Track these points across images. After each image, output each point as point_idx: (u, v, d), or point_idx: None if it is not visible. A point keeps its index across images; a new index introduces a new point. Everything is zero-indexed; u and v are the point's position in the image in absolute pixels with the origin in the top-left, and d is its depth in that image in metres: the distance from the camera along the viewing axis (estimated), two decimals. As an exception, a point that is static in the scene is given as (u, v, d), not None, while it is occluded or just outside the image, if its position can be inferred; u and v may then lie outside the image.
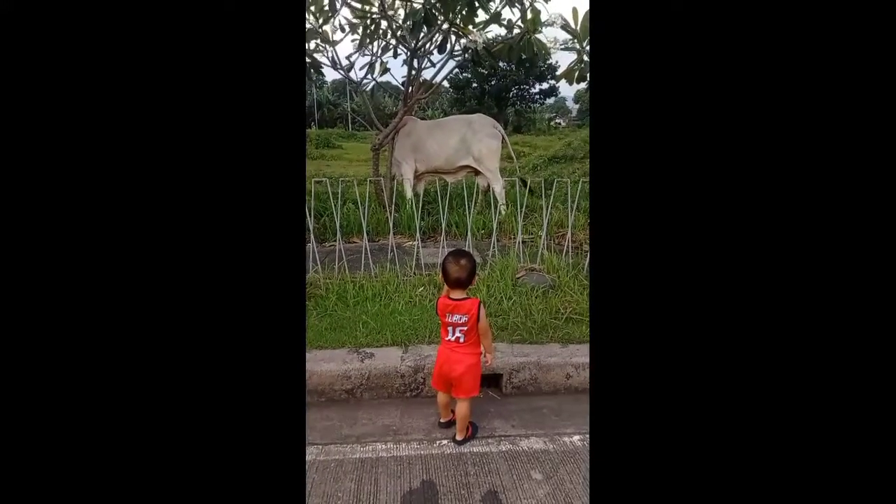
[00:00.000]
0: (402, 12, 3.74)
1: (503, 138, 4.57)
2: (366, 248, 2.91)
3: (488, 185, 4.51)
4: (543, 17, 3.78)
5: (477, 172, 4.52)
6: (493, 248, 3.07)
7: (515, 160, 5.57)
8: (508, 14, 3.88)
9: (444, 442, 1.74)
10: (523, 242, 3.23)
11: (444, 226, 3.17)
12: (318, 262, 2.88)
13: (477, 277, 1.77)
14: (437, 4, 3.25)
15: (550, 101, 25.31)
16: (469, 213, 3.14)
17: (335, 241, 3.03)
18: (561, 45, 3.90)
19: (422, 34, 3.72)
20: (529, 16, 3.58)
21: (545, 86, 21.70)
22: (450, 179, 4.65)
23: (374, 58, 4.36)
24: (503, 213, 4.25)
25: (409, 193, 4.49)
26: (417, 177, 4.65)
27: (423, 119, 4.92)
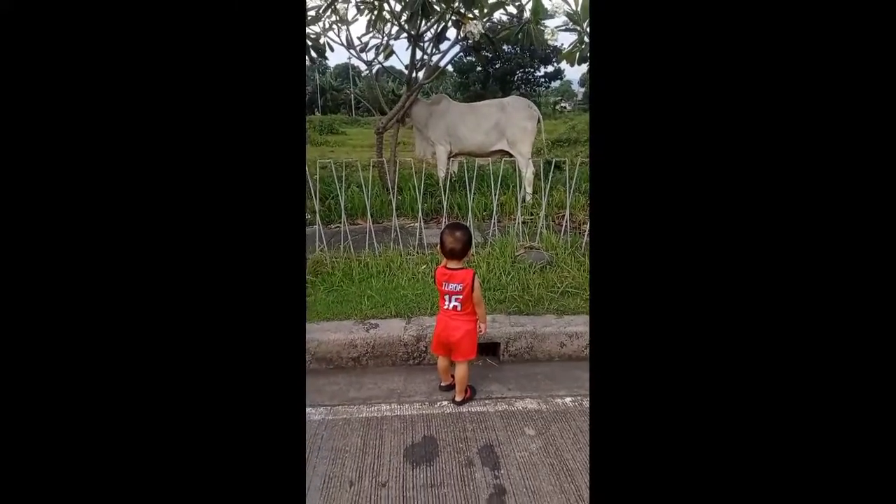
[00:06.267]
0: None
1: (539, 119, 4.51)
2: (370, 229, 3.02)
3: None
4: (547, 6, 3.80)
5: (510, 155, 4.50)
6: (494, 227, 3.17)
7: (544, 139, 5.45)
8: (511, 7, 3.88)
9: (445, 403, 1.87)
10: (523, 223, 3.32)
11: (445, 207, 3.27)
12: (325, 242, 3.00)
13: (472, 250, 1.88)
14: None
15: (556, 84, 25.08)
16: (470, 195, 3.23)
17: (340, 222, 3.14)
18: (561, 27, 3.90)
19: (421, 23, 3.76)
20: (531, 7, 3.61)
21: (550, 69, 21.52)
22: (481, 161, 4.67)
23: (384, 39, 4.39)
24: (528, 200, 4.24)
25: (442, 174, 4.49)
26: (451, 157, 4.68)
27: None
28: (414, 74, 4.43)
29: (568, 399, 1.90)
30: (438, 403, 1.87)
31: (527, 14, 3.85)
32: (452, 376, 1.91)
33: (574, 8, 4.08)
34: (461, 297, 1.73)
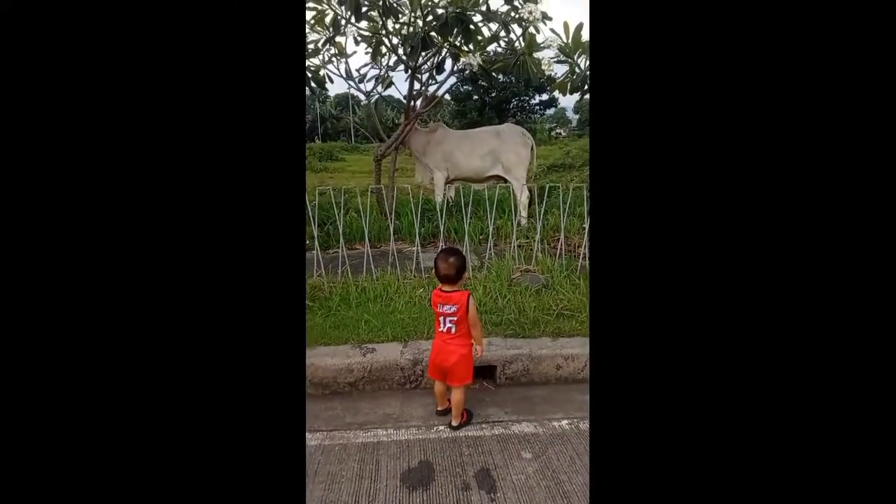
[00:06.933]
0: (406, 30, 3.93)
1: (532, 146, 4.66)
2: (367, 254, 3.06)
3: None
4: (539, 39, 3.94)
5: (505, 181, 4.61)
6: (490, 251, 3.21)
7: (534, 168, 5.55)
8: (505, 35, 4.04)
9: (441, 427, 1.87)
10: (519, 246, 3.37)
11: (442, 231, 3.32)
12: (323, 267, 3.03)
13: (468, 274, 1.91)
14: (435, 27, 3.44)
15: (550, 111, 25.64)
16: (466, 219, 3.29)
17: (339, 247, 3.18)
18: (554, 58, 4.04)
19: (421, 56, 3.90)
20: (525, 41, 3.76)
21: (545, 97, 22.05)
22: (477, 187, 4.76)
23: (382, 70, 4.54)
24: (523, 223, 4.31)
25: (439, 199, 4.58)
26: (447, 183, 4.78)
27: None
28: (412, 104, 4.56)
29: (564, 422, 1.90)
30: (435, 428, 1.87)
31: (520, 42, 3.99)
32: (449, 400, 1.91)
33: (565, 41, 4.25)
34: (455, 318, 1.75)
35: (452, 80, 4.48)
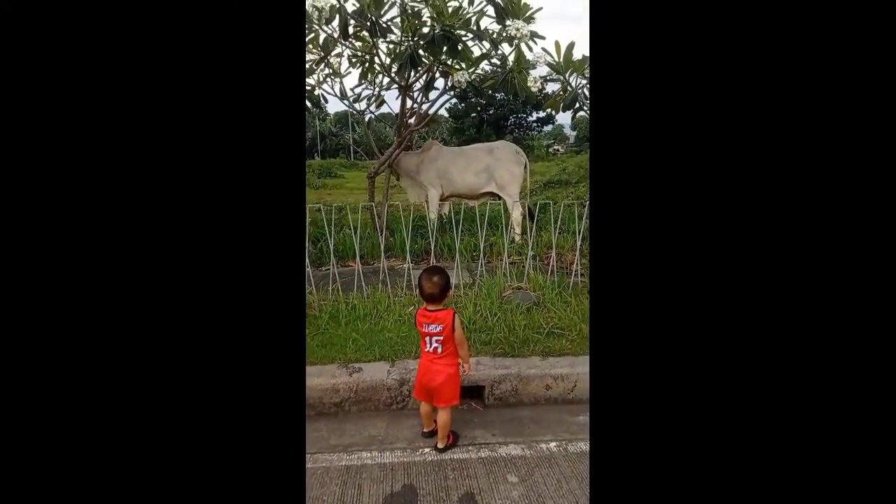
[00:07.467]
0: (397, 49, 3.97)
1: (525, 164, 4.69)
2: (359, 271, 3.04)
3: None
4: (529, 57, 3.99)
5: (498, 198, 4.64)
6: (482, 268, 3.20)
7: (528, 185, 5.62)
8: (495, 53, 4.09)
9: (427, 450, 1.83)
10: (511, 263, 3.36)
11: (433, 248, 3.32)
12: (314, 285, 3.01)
13: (452, 291, 1.89)
14: (422, 45, 3.48)
15: (548, 128, 25.92)
16: (457, 236, 3.28)
17: (330, 265, 3.17)
18: (546, 77, 4.08)
19: (410, 74, 3.94)
20: (513, 58, 3.80)
21: (542, 114, 22.31)
22: (471, 204, 4.78)
23: (375, 89, 4.59)
24: (517, 240, 4.32)
25: (433, 215, 4.60)
26: (442, 200, 4.81)
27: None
28: (405, 121, 4.60)
29: (553, 444, 1.86)
30: (420, 450, 1.83)
31: (509, 60, 4.03)
32: (435, 422, 1.87)
33: (557, 60, 4.30)
34: (441, 338, 1.73)
35: (444, 98, 4.52)
